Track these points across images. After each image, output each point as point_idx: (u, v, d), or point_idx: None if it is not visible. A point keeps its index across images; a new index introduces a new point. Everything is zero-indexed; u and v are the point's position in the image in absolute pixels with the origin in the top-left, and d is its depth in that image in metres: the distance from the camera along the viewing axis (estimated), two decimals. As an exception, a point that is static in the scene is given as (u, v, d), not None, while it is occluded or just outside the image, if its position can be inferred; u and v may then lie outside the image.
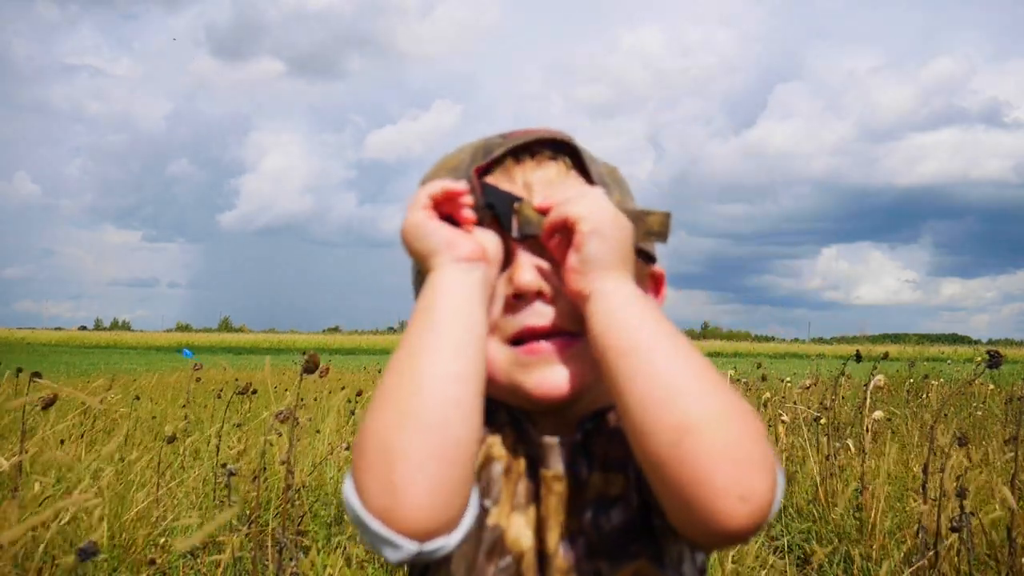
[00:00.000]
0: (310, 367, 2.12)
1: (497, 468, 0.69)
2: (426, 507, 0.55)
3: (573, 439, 0.70)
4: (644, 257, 0.75)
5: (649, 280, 0.78)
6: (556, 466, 0.69)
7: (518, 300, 0.68)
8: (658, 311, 0.63)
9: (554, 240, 0.68)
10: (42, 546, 2.40)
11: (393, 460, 0.55)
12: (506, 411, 0.72)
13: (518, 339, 0.68)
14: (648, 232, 0.71)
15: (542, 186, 0.71)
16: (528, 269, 0.68)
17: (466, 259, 0.65)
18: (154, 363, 20.06)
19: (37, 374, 3.11)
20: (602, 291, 0.63)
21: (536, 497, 0.69)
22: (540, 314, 0.68)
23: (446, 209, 0.68)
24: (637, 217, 0.70)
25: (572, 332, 0.68)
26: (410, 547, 0.56)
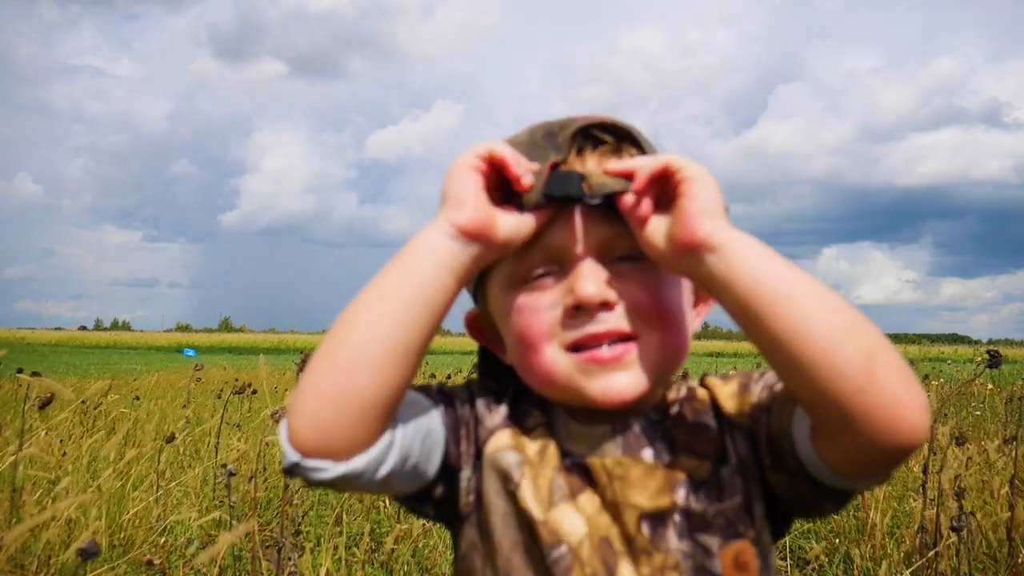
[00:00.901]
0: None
1: (510, 457, 0.73)
2: (309, 427, 0.62)
3: (640, 426, 0.73)
4: None
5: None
6: (613, 453, 0.72)
7: (578, 311, 0.68)
8: (785, 261, 0.63)
9: (634, 202, 0.66)
10: (41, 545, 2.40)
11: (304, 386, 0.63)
12: (541, 411, 0.75)
13: (577, 345, 0.69)
14: None
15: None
16: (591, 280, 0.67)
17: (458, 227, 0.65)
18: (154, 363, 20.05)
19: (36, 374, 3.12)
20: (732, 238, 0.62)
21: (592, 485, 0.71)
22: (602, 320, 0.68)
23: (502, 176, 0.67)
24: None
25: (629, 334, 0.69)
26: (292, 456, 0.62)
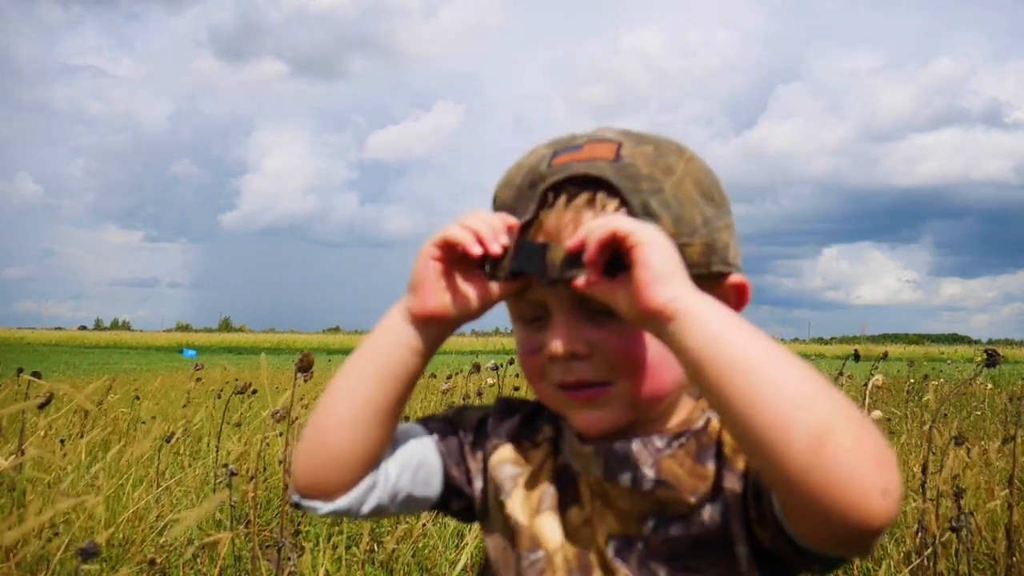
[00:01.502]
0: (304, 366, 2.13)
1: (507, 469, 0.79)
2: (301, 476, 0.75)
3: (629, 450, 0.73)
4: (707, 276, 0.70)
5: (731, 294, 0.74)
6: (596, 472, 0.74)
7: (554, 360, 0.72)
8: (746, 321, 0.61)
9: (592, 278, 0.65)
10: (41, 545, 2.40)
11: (300, 440, 0.75)
12: (551, 426, 0.81)
13: (561, 385, 0.73)
14: (689, 264, 0.66)
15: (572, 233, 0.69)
16: (561, 336, 0.70)
17: (412, 314, 0.73)
18: (154, 363, 20.05)
19: (36, 374, 3.12)
20: (688, 308, 0.60)
21: (579, 500, 0.75)
22: (572, 371, 0.71)
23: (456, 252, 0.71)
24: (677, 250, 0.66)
25: (603, 382, 0.71)
26: (294, 496, 0.76)
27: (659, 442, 0.73)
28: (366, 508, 0.76)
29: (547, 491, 0.77)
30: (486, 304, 0.73)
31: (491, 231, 0.70)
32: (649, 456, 0.73)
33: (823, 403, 0.55)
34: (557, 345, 0.70)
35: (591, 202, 0.69)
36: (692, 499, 0.70)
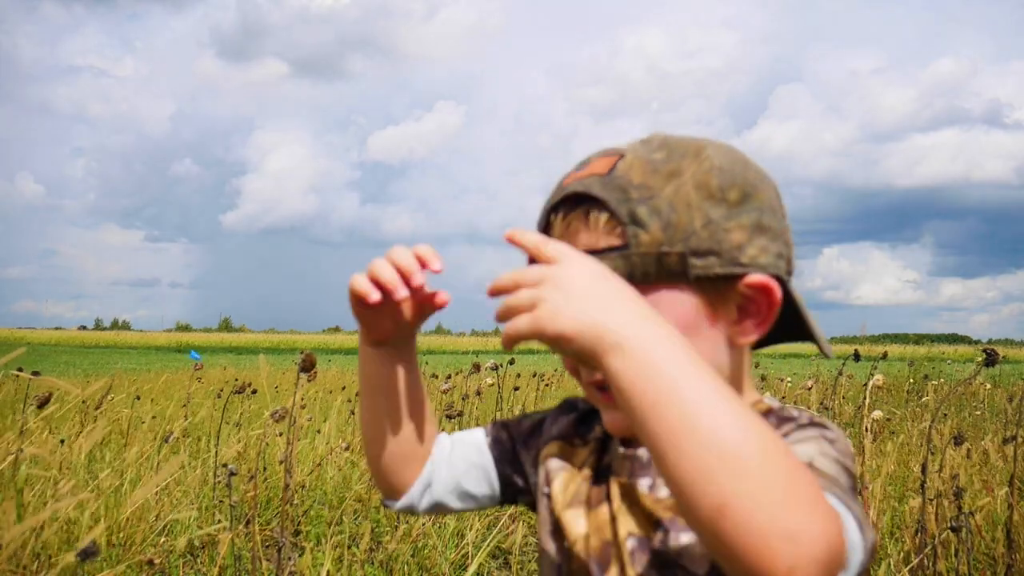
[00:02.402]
0: (306, 366, 2.13)
1: (552, 463, 0.84)
2: (375, 482, 0.88)
3: (641, 455, 0.76)
4: (708, 280, 0.69)
5: (752, 294, 0.70)
6: (623, 474, 0.77)
7: None
8: (682, 369, 0.54)
9: None
10: (40, 545, 2.40)
11: None
12: (601, 426, 0.82)
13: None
14: (669, 272, 0.67)
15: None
16: None
17: (370, 341, 0.81)
18: (154, 363, 20.05)
19: (36, 374, 3.12)
20: (608, 373, 0.56)
21: (607, 499, 0.78)
22: (590, 371, 0.75)
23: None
24: (657, 259, 0.67)
25: None
26: (381, 496, 0.89)
27: None
28: (423, 506, 0.87)
29: (582, 487, 0.80)
30: (419, 320, 0.81)
31: (394, 279, 0.70)
32: None
33: (730, 477, 0.51)
34: None
35: (585, 218, 0.71)
36: None
